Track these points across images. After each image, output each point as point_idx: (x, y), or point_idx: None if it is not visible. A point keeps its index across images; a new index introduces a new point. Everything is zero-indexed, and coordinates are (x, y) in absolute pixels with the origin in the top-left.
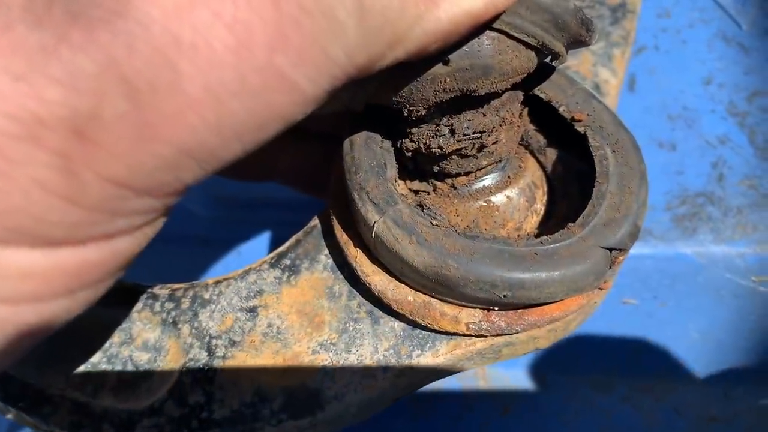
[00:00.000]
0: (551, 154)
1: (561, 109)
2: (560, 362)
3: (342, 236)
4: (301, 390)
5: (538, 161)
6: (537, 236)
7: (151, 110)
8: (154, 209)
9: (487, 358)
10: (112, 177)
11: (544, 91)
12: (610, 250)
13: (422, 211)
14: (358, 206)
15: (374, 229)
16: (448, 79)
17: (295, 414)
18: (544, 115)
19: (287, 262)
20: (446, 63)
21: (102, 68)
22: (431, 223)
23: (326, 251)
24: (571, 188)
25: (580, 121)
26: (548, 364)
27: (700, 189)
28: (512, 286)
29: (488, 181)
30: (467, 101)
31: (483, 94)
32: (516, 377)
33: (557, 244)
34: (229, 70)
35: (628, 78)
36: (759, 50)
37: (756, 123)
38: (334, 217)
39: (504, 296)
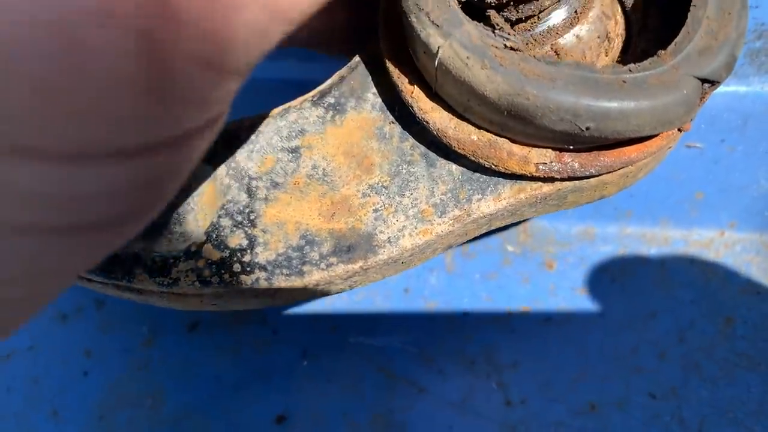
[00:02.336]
0: None
1: None
2: (610, 213)
3: (395, 71)
4: (351, 233)
5: None
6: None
7: None
8: (234, 91)
9: (549, 205)
10: (200, 58)
11: None
12: (703, 81)
13: (494, 33)
14: (418, 30)
15: (438, 54)
16: None
17: (346, 258)
18: None
19: (331, 100)
20: None
21: None
22: (505, 45)
23: (374, 89)
24: (651, 21)
25: None
26: (597, 216)
27: None
28: (597, 115)
29: (553, 20)
30: None
31: None
32: (561, 232)
33: (647, 72)
34: None
35: None
36: None
37: None
38: (384, 51)
39: (587, 128)
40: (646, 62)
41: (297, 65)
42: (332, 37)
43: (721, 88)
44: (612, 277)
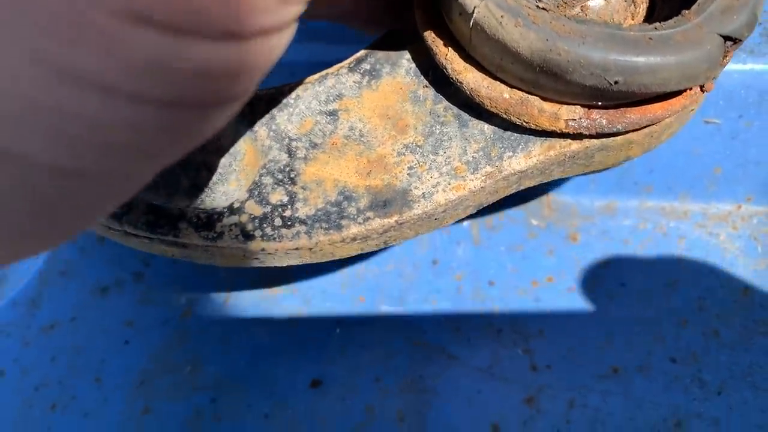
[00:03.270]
0: None
1: None
2: (631, 188)
3: (429, 35)
4: (387, 189)
5: None
6: None
7: None
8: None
9: (578, 164)
10: None
11: None
12: (726, 38)
13: None
14: None
15: (474, 15)
16: None
17: (382, 212)
18: None
19: (366, 66)
20: None
21: None
22: (537, 5)
23: (408, 56)
24: None
25: None
26: (619, 190)
27: None
28: (625, 70)
29: None
30: None
31: None
32: (584, 206)
33: (672, 30)
34: None
35: None
36: None
37: None
38: (418, 17)
39: (615, 82)
40: (671, 21)
41: (326, 48)
42: (367, 10)
43: (739, 66)
44: (633, 249)
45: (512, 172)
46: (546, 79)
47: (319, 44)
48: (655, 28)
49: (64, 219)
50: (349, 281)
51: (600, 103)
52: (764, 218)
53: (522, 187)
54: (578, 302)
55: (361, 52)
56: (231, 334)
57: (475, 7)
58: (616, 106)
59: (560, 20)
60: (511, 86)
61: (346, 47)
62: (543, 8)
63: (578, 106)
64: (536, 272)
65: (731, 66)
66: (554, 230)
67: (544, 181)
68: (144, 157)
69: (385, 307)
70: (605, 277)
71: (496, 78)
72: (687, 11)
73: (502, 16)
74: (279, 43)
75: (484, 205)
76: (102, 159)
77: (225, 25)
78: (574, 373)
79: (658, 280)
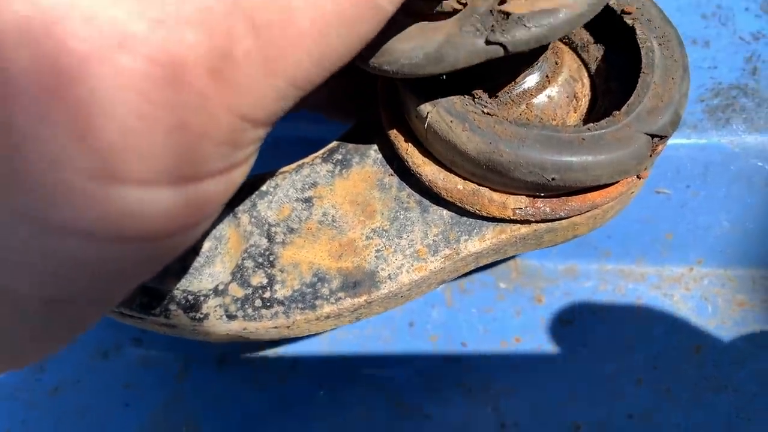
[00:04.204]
0: (594, 51)
1: (612, 2)
2: (591, 253)
3: (392, 131)
4: (357, 271)
5: (581, 58)
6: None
7: (270, 46)
8: (261, 139)
9: (529, 244)
10: (239, 112)
11: None
12: (652, 136)
13: (474, 101)
14: (411, 99)
15: (428, 118)
16: None
17: (353, 293)
18: None
19: (338, 156)
20: None
21: (229, 8)
22: (482, 111)
23: (375, 147)
24: (612, 84)
25: (629, 14)
26: (580, 255)
27: (734, 82)
28: (560, 168)
29: (527, 84)
30: None
31: None
32: (548, 269)
33: (603, 130)
34: (330, 3)
35: None
36: None
37: None
38: (383, 116)
39: (552, 179)
40: (602, 122)
41: (309, 126)
42: (329, 103)
43: (684, 140)
44: (594, 309)
45: (468, 253)
46: (492, 174)
47: (303, 123)
48: (588, 129)
49: (57, 334)
50: (332, 345)
51: (542, 194)
52: (714, 279)
53: (480, 264)
54: (543, 361)
55: (334, 143)
56: (223, 395)
57: (428, 113)
58: (558, 195)
59: (502, 124)
60: (464, 178)
61: (327, 125)
62: (488, 113)
63: (524, 196)
64: (505, 333)
65: (678, 141)
66: (521, 292)
67: (499, 259)
68: (121, 280)
69: (366, 369)
70: (568, 337)
71: (450, 171)
72: (617, 112)
73: (451, 121)
74: (238, 175)
75: (447, 281)
76: (85, 287)
77: (183, 173)
78: (539, 430)
79: (617, 339)
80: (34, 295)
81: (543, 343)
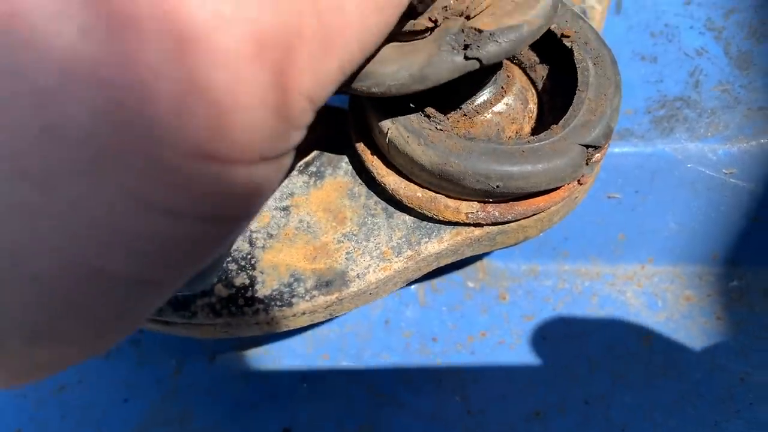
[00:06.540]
0: (540, 70)
1: (553, 27)
2: (550, 253)
3: (360, 145)
4: (329, 271)
5: (529, 77)
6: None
7: (328, 28)
8: (308, 125)
9: (483, 245)
10: (305, 91)
11: None
12: (587, 147)
13: (428, 119)
14: (374, 117)
15: (388, 134)
16: None
17: (325, 291)
18: None
19: (313, 169)
20: None
21: None
22: (436, 128)
23: (346, 159)
24: (557, 100)
25: (568, 37)
26: (540, 256)
27: (678, 94)
28: (503, 177)
29: (486, 95)
30: None
31: None
32: (512, 270)
33: (541, 143)
34: None
35: (615, 1)
36: None
37: (731, 36)
38: (353, 132)
39: (497, 186)
40: (542, 135)
41: None
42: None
43: (632, 149)
44: (553, 306)
45: (429, 254)
46: (446, 183)
47: None
48: (528, 142)
49: (135, 315)
50: (314, 341)
51: (491, 200)
52: (664, 276)
53: (441, 264)
54: (507, 353)
55: (309, 157)
56: (214, 389)
57: (389, 129)
58: (506, 201)
59: (453, 139)
60: (423, 187)
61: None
62: (441, 129)
63: (475, 202)
64: (472, 329)
65: (627, 149)
66: (487, 291)
67: (458, 259)
68: (198, 262)
69: (345, 363)
70: (529, 331)
71: (411, 180)
72: (555, 126)
73: (408, 137)
74: (285, 164)
75: (412, 280)
76: (172, 268)
77: (259, 152)
78: (503, 416)
79: (574, 332)
80: (127, 276)
81: (506, 337)
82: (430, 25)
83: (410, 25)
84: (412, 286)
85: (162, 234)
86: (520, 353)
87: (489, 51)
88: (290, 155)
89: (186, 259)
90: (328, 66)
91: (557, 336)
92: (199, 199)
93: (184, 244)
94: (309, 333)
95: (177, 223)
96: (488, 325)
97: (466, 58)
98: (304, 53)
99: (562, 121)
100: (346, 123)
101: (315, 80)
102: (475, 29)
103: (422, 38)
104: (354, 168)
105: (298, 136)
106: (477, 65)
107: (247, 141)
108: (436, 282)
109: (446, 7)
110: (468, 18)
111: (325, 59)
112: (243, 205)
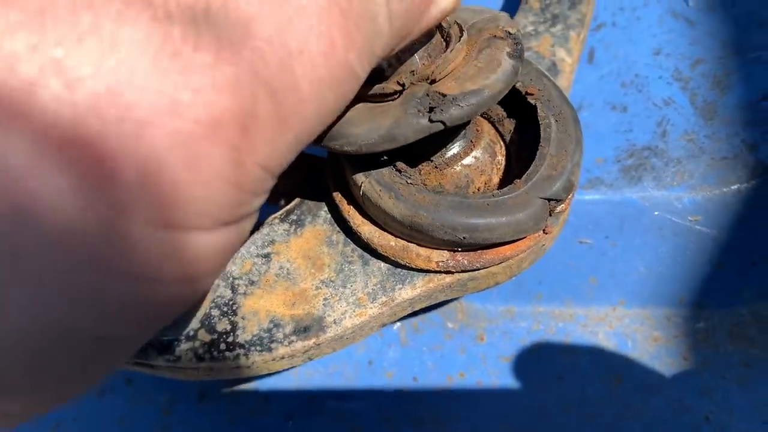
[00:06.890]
0: (508, 125)
1: (518, 85)
2: (526, 296)
3: (337, 196)
4: (307, 317)
5: (498, 131)
6: (499, 188)
7: (283, 106)
8: (269, 190)
9: (455, 291)
10: (262, 163)
11: None
12: (549, 200)
13: (399, 174)
14: (349, 171)
15: (362, 188)
16: None
17: (303, 336)
18: None
19: (294, 217)
20: None
21: (251, 77)
22: (407, 182)
23: (325, 208)
24: (524, 153)
25: (532, 94)
26: (516, 298)
27: (646, 144)
28: (469, 229)
29: (456, 149)
30: None
31: None
32: (489, 311)
33: (505, 197)
34: (323, 69)
35: (588, 51)
36: (703, 23)
37: (697, 86)
38: (331, 184)
39: (463, 238)
40: (506, 188)
41: None
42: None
43: (601, 196)
44: (528, 347)
45: (403, 300)
46: (417, 234)
47: None
48: (493, 195)
49: (98, 369)
50: (300, 381)
51: (460, 249)
52: (634, 318)
53: (415, 309)
54: (484, 393)
55: (290, 206)
56: (204, 426)
57: (362, 183)
58: (474, 250)
59: (422, 192)
60: (396, 236)
61: None
62: (411, 183)
63: (445, 251)
64: (451, 368)
65: (596, 197)
66: (466, 332)
67: (432, 303)
68: (160, 321)
69: (330, 402)
70: (506, 371)
71: (384, 230)
72: (518, 180)
73: (380, 190)
74: (247, 227)
75: (387, 324)
76: (134, 326)
77: (218, 219)
78: None
79: (549, 372)
80: (92, 333)
81: (483, 378)
82: (398, 88)
83: (379, 88)
84: (395, 326)
85: (126, 296)
86: (496, 393)
87: (452, 114)
88: (252, 217)
89: (148, 320)
90: (284, 138)
91: (532, 377)
92: (165, 265)
93: (148, 305)
94: (295, 372)
95: (142, 287)
96: (466, 366)
97: (431, 120)
98: (258, 130)
99: (525, 176)
100: (324, 172)
101: (271, 152)
102: (440, 93)
103: (391, 100)
104: (333, 216)
105: (258, 201)
106: (441, 127)
107: (206, 210)
108: (417, 322)
109: (413, 71)
110: (433, 81)
111: (280, 133)
112: (204, 267)
